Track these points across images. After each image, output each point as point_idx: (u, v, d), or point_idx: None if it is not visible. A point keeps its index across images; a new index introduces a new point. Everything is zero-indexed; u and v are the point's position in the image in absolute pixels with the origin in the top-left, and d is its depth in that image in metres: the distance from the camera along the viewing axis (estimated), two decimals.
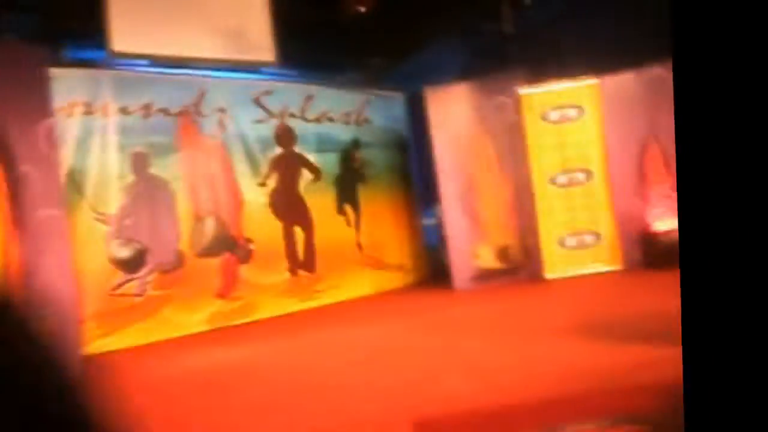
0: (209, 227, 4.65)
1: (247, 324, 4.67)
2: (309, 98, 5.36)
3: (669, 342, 2.30)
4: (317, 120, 5.44)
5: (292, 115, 5.27)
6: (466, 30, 5.82)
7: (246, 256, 4.82)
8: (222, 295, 4.67)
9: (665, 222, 4.63)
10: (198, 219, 4.62)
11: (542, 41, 5.52)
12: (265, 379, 2.95)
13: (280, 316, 4.88)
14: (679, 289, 2.24)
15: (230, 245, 4.75)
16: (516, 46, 5.63)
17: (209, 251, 4.64)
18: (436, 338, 3.43)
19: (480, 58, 5.91)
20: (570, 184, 5.00)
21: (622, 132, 4.90)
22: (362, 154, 5.81)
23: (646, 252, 4.78)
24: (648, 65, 4.74)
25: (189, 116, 4.64)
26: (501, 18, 5.29)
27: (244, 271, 4.81)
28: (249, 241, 4.84)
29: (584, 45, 5.21)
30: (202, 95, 4.68)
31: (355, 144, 5.75)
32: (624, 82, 4.92)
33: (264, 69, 5.17)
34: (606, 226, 4.97)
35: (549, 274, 4.97)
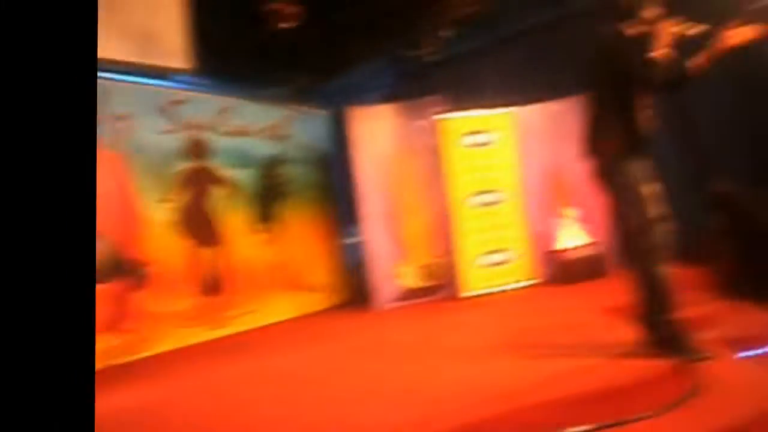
0: (98, 250, 4.03)
1: (143, 360, 4.14)
2: (225, 111, 5.21)
3: (580, 354, 2.59)
4: (234, 133, 5.27)
5: (207, 127, 5.04)
6: (390, 55, 6.00)
7: (140, 282, 4.32)
8: (110, 328, 4.07)
9: (567, 240, 5.07)
10: None
11: (461, 71, 5.91)
12: (162, 422, 2.61)
13: (184, 348, 4.43)
14: (585, 301, 2.49)
15: (122, 270, 4.23)
16: (437, 74, 5.94)
17: (97, 277, 4.05)
18: (358, 364, 3.33)
19: (402, 83, 6.23)
20: (486, 204, 5.23)
21: (531, 157, 5.31)
22: (282, 170, 5.70)
23: (553, 268, 5.14)
24: (553, 99, 5.21)
25: None
26: (424, 46, 5.52)
27: (140, 298, 4.29)
28: (146, 264, 4.37)
29: (500, 77, 5.70)
30: (102, 100, 4.16)
31: (275, 160, 5.63)
32: (533, 113, 5.35)
33: (177, 77, 4.90)
34: (519, 244, 5.28)
35: (467, 291, 5.12)
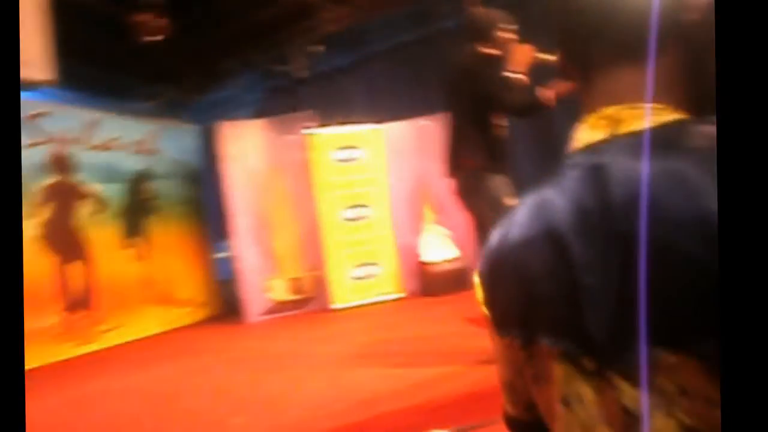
0: None
1: None
2: (93, 124, 5.59)
3: (443, 362, 2.92)
4: (102, 147, 5.68)
5: (72, 141, 5.42)
6: (260, 70, 6.67)
7: None
8: None
9: (434, 254, 5.83)
10: None
11: (331, 87, 6.68)
12: None
13: (51, 365, 4.80)
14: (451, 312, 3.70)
15: None
16: (307, 90, 6.68)
17: None
18: (225, 376, 3.65)
19: (272, 98, 6.86)
20: (356, 219, 5.95)
21: (400, 173, 6.03)
22: (151, 185, 6.19)
23: (421, 281, 5.87)
24: (420, 116, 5.99)
25: None
26: (293, 62, 6.24)
27: None
28: None
29: (368, 94, 6.53)
30: None
31: (144, 174, 6.11)
32: (401, 129, 6.08)
33: (39, 89, 5.46)
34: (388, 258, 6.00)
35: (337, 303, 5.77)
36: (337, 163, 5.99)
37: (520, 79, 2.66)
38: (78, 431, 2.91)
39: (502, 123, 2.87)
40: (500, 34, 2.82)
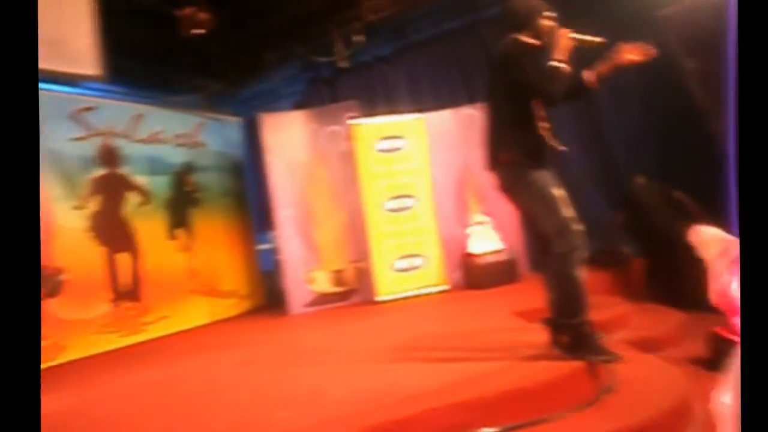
0: None
1: (57, 367, 4.77)
2: (138, 117, 5.95)
3: (490, 357, 2.95)
4: (147, 140, 6.04)
5: (119, 135, 5.79)
6: (302, 61, 6.94)
7: (54, 289, 5.00)
8: None
9: (479, 245, 5.97)
10: None
11: (373, 77, 6.95)
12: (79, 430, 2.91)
13: (97, 355, 5.10)
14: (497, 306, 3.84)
15: None
16: (349, 80, 6.98)
17: None
18: (269, 369, 3.74)
19: (315, 89, 7.17)
20: (399, 209, 6.14)
21: (443, 163, 6.19)
22: (196, 177, 6.54)
23: (465, 273, 6.02)
24: (462, 105, 6.22)
25: None
26: (335, 52, 6.46)
27: (52, 306, 4.96)
28: (59, 271, 5.05)
29: (410, 83, 6.73)
30: None
31: (188, 167, 6.46)
32: (444, 118, 6.26)
33: (87, 84, 5.59)
34: (432, 249, 6.16)
35: (380, 296, 5.96)
36: (379, 153, 6.16)
37: (565, 68, 2.73)
38: (121, 421, 2.99)
39: (543, 115, 2.90)
40: (542, 21, 2.88)
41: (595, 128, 6.09)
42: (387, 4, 6.16)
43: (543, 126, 2.89)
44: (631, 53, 2.80)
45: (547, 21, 2.88)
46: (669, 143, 5.36)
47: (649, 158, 5.58)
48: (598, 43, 2.80)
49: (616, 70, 2.84)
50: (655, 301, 4.64)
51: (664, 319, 4.12)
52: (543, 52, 2.80)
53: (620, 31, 2.90)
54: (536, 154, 2.86)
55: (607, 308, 4.03)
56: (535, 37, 2.87)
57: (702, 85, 4.60)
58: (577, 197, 2.97)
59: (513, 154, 2.89)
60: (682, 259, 3.99)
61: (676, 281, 4.51)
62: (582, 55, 2.82)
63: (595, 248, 5.03)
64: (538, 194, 2.83)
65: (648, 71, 5.18)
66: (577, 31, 2.80)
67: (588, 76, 2.88)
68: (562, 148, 2.94)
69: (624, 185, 5.58)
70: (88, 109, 5.61)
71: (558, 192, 2.82)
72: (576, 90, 2.91)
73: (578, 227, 2.77)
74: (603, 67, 2.84)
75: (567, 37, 2.77)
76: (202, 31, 5.89)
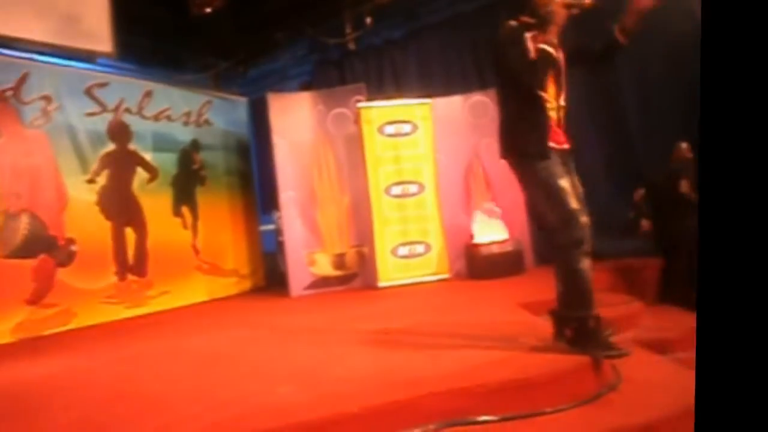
0: (23, 225, 5.05)
1: (66, 332, 5.10)
2: (148, 94, 6.16)
3: (490, 346, 2.96)
4: (155, 118, 6.27)
5: (129, 111, 6.01)
6: (311, 42, 7.08)
7: (67, 259, 5.30)
8: (33, 301, 5.04)
9: (484, 235, 6.06)
10: (9, 216, 4.97)
11: (382, 60, 7.02)
12: (80, 394, 3.07)
13: (103, 324, 5.39)
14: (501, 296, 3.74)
15: (48, 246, 5.18)
16: (357, 62, 7.08)
17: (21, 252, 5.01)
18: (269, 347, 3.85)
19: (323, 70, 7.29)
20: (403, 195, 6.25)
21: (450, 150, 6.28)
22: (202, 156, 6.77)
23: (469, 262, 6.11)
24: (473, 91, 6.27)
25: (6, 101, 5.03)
26: (345, 34, 6.58)
27: (63, 274, 5.26)
28: (71, 241, 5.33)
29: (420, 67, 6.80)
30: (23, 79, 5.12)
31: (195, 145, 6.69)
32: (452, 104, 6.32)
33: (100, 60, 5.82)
34: (435, 237, 6.26)
35: (382, 282, 6.09)
36: (386, 138, 6.27)
37: (548, 55, 2.77)
38: (124, 387, 3.15)
39: (553, 102, 2.89)
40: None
41: (612, 113, 6.02)
42: None
43: (551, 114, 2.89)
44: None
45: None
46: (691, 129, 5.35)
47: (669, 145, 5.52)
48: (589, 4, 2.76)
49: (642, 19, 2.77)
50: (672, 301, 4.65)
51: (676, 321, 4.13)
52: (541, 31, 2.80)
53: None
54: (540, 144, 2.84)
55: (618, 305, 4.09)
56: (532, 15, 2.84)
57: None
58: (590, 186, 2.99)
59: (517, 143, 2.92)
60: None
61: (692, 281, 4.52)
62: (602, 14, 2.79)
63: (607, 241, 5.14)
64: (543, 185, 2.84)
65: (677, 59, 5.24)
66: None
67: (618, 32, 2.81)
68: (564, 146, 2.93)
69: (641, 172, 5.56)
70: (102, 85, 5.84)
71: (565, 182, 2.81)
72: (607, 49, 2.90)
73: (584, 219, 2.76)
74: (627, 20, 2.78)
75: (562, 6, 2.75)
76: (212, 9, 6.04)
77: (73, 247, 5.42)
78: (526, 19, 2.85)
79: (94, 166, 5.72)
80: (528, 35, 2.82)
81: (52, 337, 5.04)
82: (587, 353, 2.68)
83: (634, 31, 2.79)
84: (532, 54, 2.76)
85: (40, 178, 5.28)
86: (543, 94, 2.85)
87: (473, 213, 6.30)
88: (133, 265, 5.97)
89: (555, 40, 2.83)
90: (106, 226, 5.78)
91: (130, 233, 5.99)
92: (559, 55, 2.93)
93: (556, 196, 2.79)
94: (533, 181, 2.90)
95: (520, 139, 2.91)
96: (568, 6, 2.75)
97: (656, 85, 5.65)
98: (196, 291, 6.48)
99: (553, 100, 2.91)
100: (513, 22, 2.88)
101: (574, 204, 2.77)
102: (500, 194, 6.08)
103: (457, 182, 6.43)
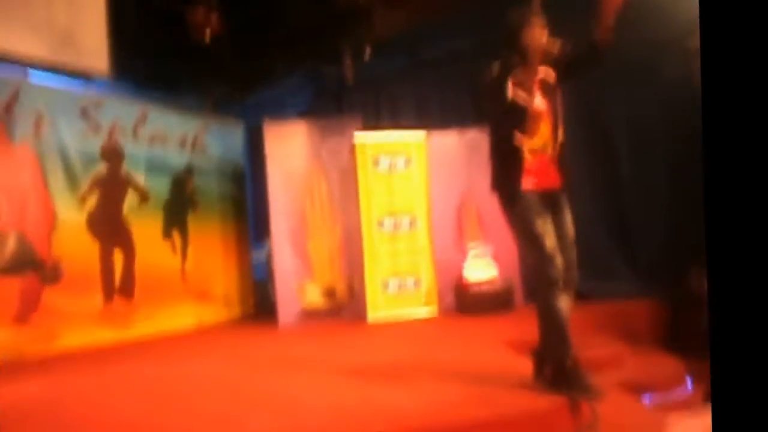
0: (10, 243, 5.04)
1: (48, 354, 5.05)
2: (143, 117, 6.21)
3: (469, 383, 3.05)
4: (150, 140, 6.31)
5: (123, 132, 6.05)
6: (310, 72, 7.19)
7: (53, 278, 5.28)
8: (19, 320, 5.03)
9: (474, 272, 6.08)
10: None
11: (379, 92, 7.14)
12: (55, 418, 3.10)
13: (87, 346, 5.36)
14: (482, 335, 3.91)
15: (35, 265, 5.17)
16: (355, 94, 7.17)
17: (8, 270, 5.00)
18: (252, 375, 3.88)
19: (320, 100, 7.39)
20: (395, 228, 6.27)
21: (444, 185, 6.31)
22: (195, 180, 6.80)
23: (458, 299, 6.12)
24: (468, 127, 6.29)
25: None
26: (343, 66, 6.64)
27: (49, 295, 5.24)
28: (58, 262, 5.33)
29: (417, 101, 6.89)
30: (15, 96, 5.10)
31: (189, 170, 6.73)
32: (448, 139, 6.38)
33: (96, 80, 5.74)
34: (426, 271, 6.28)
35: (371, 315, 6.10)
36: (380, 170, 6.32)
37: (523, 102, 2.85)
38: (104, 411, 3.20)
39: (541, 142, 2.94)
40: (526, 35, 2.87)
41: (602, 155, 6.11)
42: (397, 19, 6.38)
43: (544, 153, 2.95)
44: None
45: (533, 32, 2.88)
46: (682, 176, 5.41)
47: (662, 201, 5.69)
48: (560, 46, 2.84)
49: (617, 16, 2.74)
50: (677, 349, 4.63)
51: (659, 364, 4.20)
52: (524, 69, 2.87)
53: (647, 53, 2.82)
54: (512, 187, 2.93)
55: (601, 347, 4.14)
56: (519, 53, 2.90)
57: None
58: (577, 227, 3.03)
59: (495, 183, 3.05)
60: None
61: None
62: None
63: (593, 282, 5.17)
64: (521, 224, 2.93)
65: (670, 104, 5.32)
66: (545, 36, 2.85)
67: (599, 36, 2.79)
68: (554, 186, 2.98)
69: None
70: (97, 104, 5.87)
71: (542, 223, 2.87)
72: (591, 57, 2.90)
73: (559, 260, 2.82)
74: (603, 17, 2.75)
75: (542, 44, 2.82)
76: (213, 35, 6.10)
77: (60, 268, 5.41)
78: (511, 58, 2.94)
79: (84, 186, 5.72)
80: (511, 80, 2.91)
81: (34, 358, 5.02)
82: (565, 393, 2.74)
83: (612, 29, 2.77)
84: (510, 100, 2.85)
85: (29, 197, 5.27)
86: (522, 138, 2.91)
87: (464, 249, 6.31)
88: (119, 288, 5.96)
89: (539, 82, 2.91)
90: (95, 247, 5.78)
91: (118, 255, 5.98)
92: (552, 91, 3.01)
93: (531, 236, 2.88)
94: (511, 220, 3.00)
95: (497, 179, 3.04)
96: (544, 46, 2.85)
97: (647, 129, 5.75)
98: (183, 316, 6.47)
99: (545, 139, 2.97)
100: (497, 63, 2.99)
101: (549, 244, 2.83)
102: (492, 231, 6.10)
103: (449, 217, 6.45)
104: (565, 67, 3.00)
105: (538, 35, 2.87)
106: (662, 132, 5.64)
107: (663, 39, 5.03)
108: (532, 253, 2.91)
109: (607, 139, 6.07)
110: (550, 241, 2.85)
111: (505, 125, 2.94)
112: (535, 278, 2.91)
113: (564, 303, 2.84)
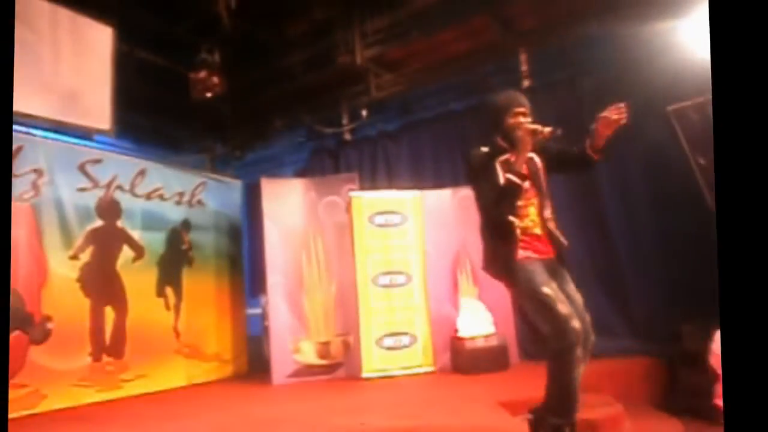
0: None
1: (32, 416, 4.95)
2: (142, 173, 6.30)
3: None
4: (147, 196, 6.37)
5: (121, 188, 6.10)
6: (308, 130, 7.39)
7: (42, 337, 5.20)
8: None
9: (470, 329, 6.07)
10: None
11: (376, 151, 7.29)
12: None
13: (73, 408, 5.26)
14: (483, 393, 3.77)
15: (23, 322, 5.08)
16: (351, 152, 7.36)
17: None
18: None
19: (317, 158, 7.54)
20: (391, 285, 6.33)
21: (438, 242, 6.39)
22: (192, 236, 6.85)
23: (454, 356, 6.10)
24: (461, 185, 6.33)
25: None
26: (341, 125, 6.91)
27: (36, 353, 5.14)
28: (47, 319, 5.26)
29: (412, 160, 7.05)
30: (17, 153, 5.16)
31: (186, 225, 6.78)
32: (442, 197, 6.50)
33: (97, 137, 6.01)
34: (421, 328, 6.29)
35: (366, 372, 6.06)
36: (375, 228, 6.41)
37: (515, 185, 2.89)
38: None
39: (536, 219, 3.01)
40: (510, 121, 2.99)
41: (599, 226, 6.23)
42: (394, 81, 6.66)
43: (535, 231, 3.01)
44: (610, 118, 2.83)
45: (517, 118, 2.97)
46: (674, 243, 5.51)
47: (655, 259, 5.78)
48: (550, 133, 2.87)
49: (611, 140, 2.89)
50: (677, 411, 4.63)
51: (657, 424, 4.20)
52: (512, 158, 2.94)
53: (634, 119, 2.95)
54: (507, 262, 2.92)
55: (599, 407, 4.11)
56: (504, 138, 3.00)
57: (711, 183, 4.73)
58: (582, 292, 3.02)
59: (488, 258, 3.08)
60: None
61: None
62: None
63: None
64: (526, 291, 2.88)
65: (656, 164, 5.52)
66: (534, 122, 2.92)
67: (589, 150, 2.93)
68: (548, 255, 3.01)
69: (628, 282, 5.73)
70: (96, 161, 5.95)
71: (549, 288, 2.83)
72: (582, 161, 3.00)
73: (576, 324, 2.75)
74: (595, 141, 2.90)
75: (528, 133, 2.87)
76: (213, 94, 6.36)
77: (49, 325, 5.31)
78: (498, 141, 3.03)
79: (78, 241, 5.72)
80: (499, 161, 3.00)
81: (18, 420, 4.89)
82: None
83: (604, 150, 2.91)
84: (501, 182, 2.91)
85: (22, 252, 5.24)
86: (513, 219, 2.95)
87: (459, 305, 6.34)
88: (109, 346, 5.87)
89: (526, 163, 2.96)
90: (85, 303, 5.71)
91: (109, 312, 5.92)
92: (537, 171, 3.10)
93: (540, 302, 2.83)
94: (518, 291, 2.98)
95: (489, 258, 3.06)
96: (534, 133, 2.88)
97: (637, 195, 5.93)
98: (174, 375, 6.37)
99: (536, 216, 3.04)
100: (484, 149, 3.05)
101: (562, 308, 2.77)
102: (487, 287, 6.16)
103: (444, 274, 6.50)
104: (555, 163, 3.11)
105: (523, 121, 2.95)
106: (650, 193, 5.80)
107: (644, 100, 5.27)
108: (544, 320, 2.83)
109: (597, 199, 6.23)
110: (562, 304, 2.79)
111: (494, 207, 2.97)
112: (551, 345, 2.81)
113: (580, 370, 2.78)
